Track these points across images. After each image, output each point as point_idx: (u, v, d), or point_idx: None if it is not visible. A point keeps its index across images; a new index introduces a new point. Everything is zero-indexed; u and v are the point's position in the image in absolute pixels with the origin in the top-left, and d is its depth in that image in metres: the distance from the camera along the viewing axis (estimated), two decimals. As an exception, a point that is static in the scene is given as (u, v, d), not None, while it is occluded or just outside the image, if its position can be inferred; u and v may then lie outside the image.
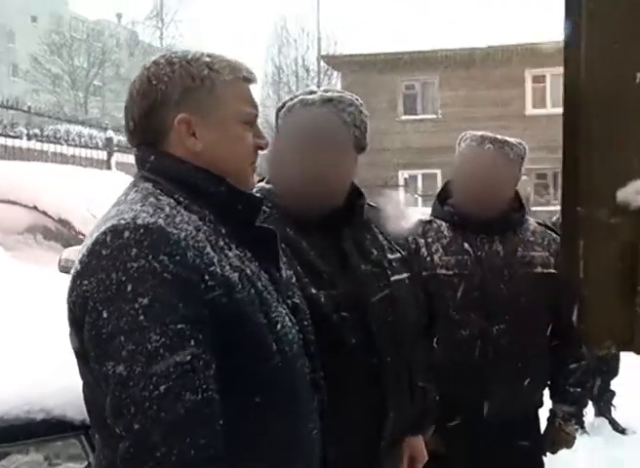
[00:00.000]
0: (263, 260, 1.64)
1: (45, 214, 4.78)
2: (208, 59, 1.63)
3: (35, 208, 4.81)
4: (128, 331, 1.38)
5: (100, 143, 12.83)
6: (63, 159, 11.64)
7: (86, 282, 1.44)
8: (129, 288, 1.39)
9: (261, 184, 2.10)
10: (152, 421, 1.34)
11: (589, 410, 5.68)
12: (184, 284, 1.42)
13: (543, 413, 3.00)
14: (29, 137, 11.61)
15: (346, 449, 1.84)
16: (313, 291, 1.93)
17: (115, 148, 12.78)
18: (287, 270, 1.76)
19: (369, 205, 2.26)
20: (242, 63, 1.69)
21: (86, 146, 12.50)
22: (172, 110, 1.59)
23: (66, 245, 4.46)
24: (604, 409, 5.99)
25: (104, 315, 1.40)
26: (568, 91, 0.80)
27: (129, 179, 5.61)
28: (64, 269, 4.05)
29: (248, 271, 1.56)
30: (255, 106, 1.69)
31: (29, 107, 12.73)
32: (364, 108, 2.13)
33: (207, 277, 1.46)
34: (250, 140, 1.66)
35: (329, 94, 2.09)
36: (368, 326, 2.01)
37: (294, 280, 1.79)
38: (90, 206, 4.82)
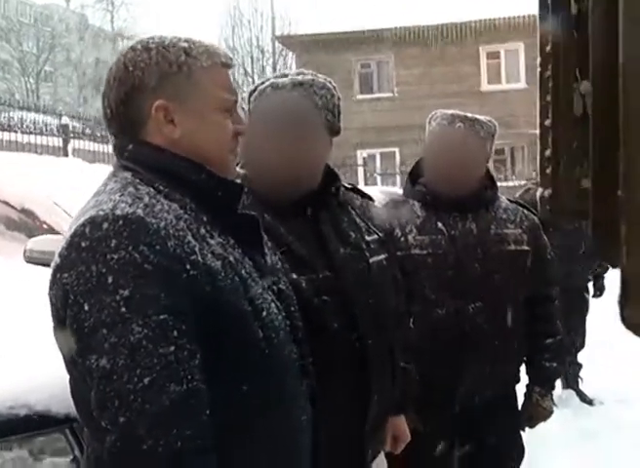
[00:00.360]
0: (247, 247, 1.62)
1: (7, 204, 4.67)
2: (185, 45, 1.60)
3: (-3, 198, 4.71)
4: (110, 324, 1.36)
5: (55, 130, 12.64)
6: (18, 147, 11.44)
7: (66, 275, 1.42)
8: (109, 280, 1.37)
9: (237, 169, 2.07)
10: (137, 414, 1.33)
11: (557, 383, 5.75)
12: (165, 274, 1.41)
13: (520, 389, 3.03)
14: (-18, 126, 11.41)
15: (330, 433, 1.83)
16: (294, 276, 1.92)
17: (71, 135, 12.60)
18: (272, 256, 1.75)
19: (344, 187, 2.24)
20: (220, 48, 1.67)
21: (41, 133, 12.31)
22: (149, 97, 1.56)
23: (30, 235, 4.37)
24: (572, 382, 6.07)
25: (86, 308, 1.38)
26: (596, 72, 0.78)
27: (87, 166, 5.51)
28: (30, 260, 3.98)
29: (231, 258, 1.54)
30: (234, 92, 1.66)
31: (-20, 95, 12.48)
32: (336, 91, 2.11)
33: (188, 266, 1.44)
34: (229, 127, 1.63)
35: (300, 77, 2.07)
36: (350, 309, 2.00)
37: (279, 265, 1.77)
38: (52, 194, 4.74)
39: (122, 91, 1.57)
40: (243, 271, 1.56)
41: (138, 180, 1.53)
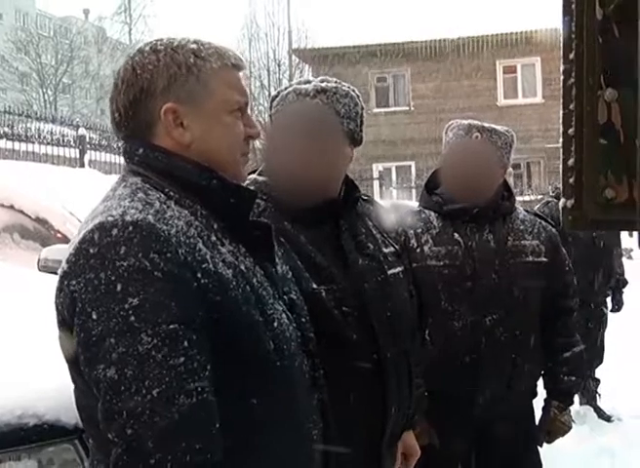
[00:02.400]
0: (258, 255, 1.59)
1: (22, 212, 4.69)
2: (194, 46, 1.57)
3: (12, 207, 4.72)
4: (118, 333, 1.32)
5: (72, 141, 12.70)
6: (35, 157, 11.51)
7: (74, 282, 1.38)
8: (118, 287, 1.33)
9: (254, 176, 2.04)
10: (146, 427, 1.29)
11: (575, 399, 5.68)
12: (176, 282, 1.37)
13: (538, 403, 2.98)
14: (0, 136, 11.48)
15: (345, 448, 1.79)
16: (314, 285, 1.88)
17: (88, 146, 12.67)
18: (282, 265, 1.71)
19: (362, 198, 2.21)
20: (230, 50, 1.63)
21: (58, 144, 12.38)
22: (158, 100, 1.53)
23: (45, 244, 4.38)
24: (589, 398, 5.99)
25: (94, 316, 1.34)
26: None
27: (102, 177, 5.54)
28: (44, 268, 3.98)
29: (242, 267, 1.51)
30: (244, 94, 1.62)
31: (-3, 106, 12.58)
32: (360, 100, 2.08)
33: (199, 274, 1.40)
34: (240, 130, 1.60)
35: (324, 84, 2.04)
36: (368, 321, 1.96)
37: (290, 275, 1.73)
38: (67, 204, 4.74)
39: (130, 94, 1.54)
40: (254, 280, 1.52)
41: (148, 186, 1.50)
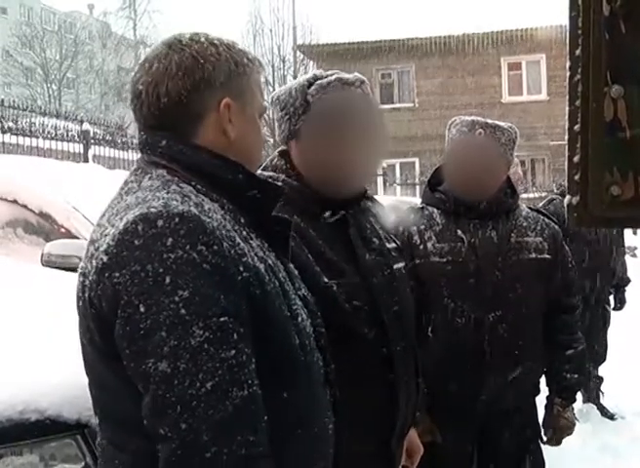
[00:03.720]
0: (278, 250, 1.59)
1: (25, 207, 4.68)
2: (240, 47, 1.59)
3: (15, 201, 4.71)
4: (169, 326, 1.29)
5: (76, 136, 12.71)
6: (39, 152, 11.51)
7: (117, 274, 1.34)
8: (167, 280, 1.31)
9: (258, 172, 2.03)
10: (200, 420, 1.27)
11: (578, 397, 5.67)
12: (223, 275, 1.36)
13: (540, 401, 2.97)
14: (4, 131, 11.48)
15: (359, 444, 1.79)
16: (325, 280, 1.88)
17: (92, 141, 12.68)
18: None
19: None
20: None
21: (62, 139, 12.38)
22: (216, 92, 1.52)
23: (48, 239, 4.37)
24: (592, 396, 5.98)
25: (141, 309, 1.31)
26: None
27: (106, 172, 5.52)
28: (47, 263, 3.98)
29: (270, 262, 1.51)
30: None
31: (2, 100, 12.56)
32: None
33: (242, 268, 1.40)
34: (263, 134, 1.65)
35: (353, 75, 2.06)
36: (379, 315, 1.97)
37: (296, 272, 1.72)
38: (70, 199, 4.74)
39: (189, 81, 1.51)
40: (280, 275, 1.53)
41: (176, 178, 1.48)
